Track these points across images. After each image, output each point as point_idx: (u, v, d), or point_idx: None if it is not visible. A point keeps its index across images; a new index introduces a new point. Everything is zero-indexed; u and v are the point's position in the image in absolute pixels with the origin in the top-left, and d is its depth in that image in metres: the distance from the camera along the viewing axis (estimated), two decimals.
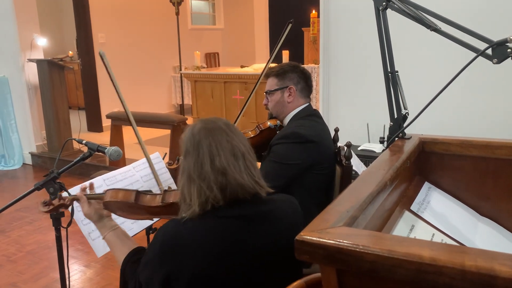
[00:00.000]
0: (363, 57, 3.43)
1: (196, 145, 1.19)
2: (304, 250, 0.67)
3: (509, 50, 0.97)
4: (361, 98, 3.55)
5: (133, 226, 1.91)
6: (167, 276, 1.13)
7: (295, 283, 1.02)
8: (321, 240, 0.65)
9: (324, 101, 3.82)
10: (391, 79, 1.21)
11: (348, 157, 2.16)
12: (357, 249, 0.62)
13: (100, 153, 1.75)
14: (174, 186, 2.02)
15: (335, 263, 0.66)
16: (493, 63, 0.99)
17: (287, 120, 2.15)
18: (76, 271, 2.92)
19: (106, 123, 6.11)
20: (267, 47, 8.54)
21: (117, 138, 4.75)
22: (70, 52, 8.66)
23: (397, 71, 1.23)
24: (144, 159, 2.14)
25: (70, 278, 2.79)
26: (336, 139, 2.26)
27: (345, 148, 2.21)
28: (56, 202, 1.53)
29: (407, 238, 0.75)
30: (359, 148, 3.26)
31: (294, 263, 1.22)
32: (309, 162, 1.99)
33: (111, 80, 1.86)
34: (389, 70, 1.22)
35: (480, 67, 1.86)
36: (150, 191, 1.55)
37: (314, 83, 5.96)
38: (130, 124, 2.03)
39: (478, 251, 0.61)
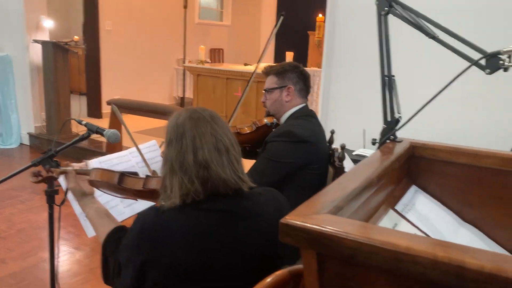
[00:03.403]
0: (366, 64, 3.46)
1: (180, 136, 1.20)
2: (287, 233, 0.70)
3: (501, 62, 1.00)
4: (360, 104, 3.59)
5: (125, 210, 1.94)
6: (143, 264, 1.15)
7: (278, 272, 1.05)
8: (305, 224, 0.69)
9: (324, 104, 3.85)
10: (387, 83, 1.24)
11: (341, 159, 2.20)
12: (338, 235, 0.66)
13: (98, 139, 1.78)
14: None
15: (316, 247, 0.69)
16: (486, 73, 1.03)
17: (283, 118, 2.19)
18: (65, 253, 2.95)
19: (106, 109, 6.14)
20: (272, 47, 8.57)
21: (116, 125, 4.77)
22: (76, 37, 8.67)
23: (393, 76, 1.26)
24: (141, 146, 2.18)
25: (59, 259, 2.82)
26: (331, 141, 2.30)
27: (339, 149, 2.25)
28: (44, 173, 1.58)
29: (387, 229, 0.78)
30: (353, 153, 3.29)
31: (272, 258, 1.25)
32: (302, 161, 2.03)
33: (126, 131, 1.92)
34: (386, 74, 1.25)
35: (476, 79, 1.91)
36: (136, 173, 1.59)
37: (315, 87, 5.99)
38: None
39: (452, 244, 0.64)
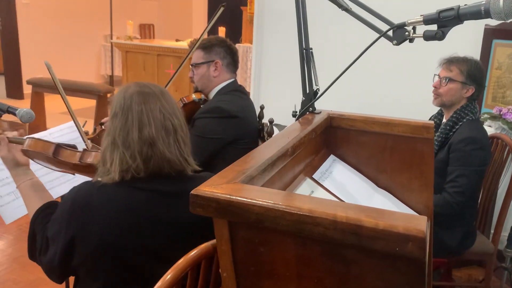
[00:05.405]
0: (296, 39, 3.51)
1: (126, 109, 1.14)
2: (198, 203, 0.70)
3: (406, 33, 1.06)
4: (291, 79, 3.64)
5: (58, 189, 1.83)
6: (72, 238, 1.12)
7: (202, 245, 1.06)
8: (214, 193, 0.69)
9: (255, 80, 3.87)
10: (305, 56, 1.27)
11: (270, 133, 2.23)
12: (245, 202, 0.67)
13: (20, 122, 1.66)
14: None
15: (226, 216, 0.70)
16: (393, 44, 1.08)
17: (212, 94, 2.18)
18: None
19: (27, 89, 5.75)
20: (205, 22, 8.43)
21: (38, 106, 4.50)
22: None
23: (311, 48, 1.29)
24: (55, 129, 2.07)
25: None
26: (261, 116, 2.32)
27: (268, 124, 2.28)
28: None
29: (292, 193, 0.81)
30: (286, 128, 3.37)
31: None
32: (231, 137, 2.04)
33: (59, 92, 1.80)
34: (304, 47, 1.27)
35: (394, 51, 2.00)
36: (75, 146, 1.51)
37: (249, 63, 5.96)
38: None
39: (351, 205, 0.68)
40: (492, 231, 2.28)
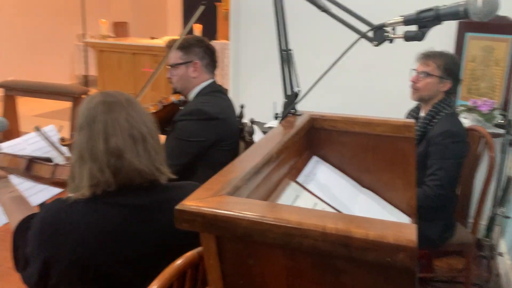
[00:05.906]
0: (273, 36, 3.49)
1: (91, 121, 1.11)
2: (183, 219, 0.69)
3: (385, 33, 1.06)
4: (270, 77, 3.63)
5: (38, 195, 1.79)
6: (45, 259, 1.09)
7: (188, 253, 1.04)
8: (199, 207, 0.68)
9: (234, 79, 3.84)
10: (285, 57, 1.26)
11: (251, 133, 2.22)
12: (232, 216, 0.66)
13: None
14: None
15: (213, 230, 0.68)
16: (373, 45, 1.08)
17: (191, 95, 2.14)
18: None
19: None
20: (180, 19, 8.32)
21: (10, 110, 4.36)
22: None
23: (290, 50, 1.28)
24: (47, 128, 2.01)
25: None
26: (241, 115, 2.30)
27: (250, 124, 2.27)
28: None
29: (279, 204, 0.80)
30: (265, 126, 3.36)
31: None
32: (213, 139, 2.01)
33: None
34: (283, 48, 1.26)
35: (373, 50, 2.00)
36: (49, 159, 1.48)
37: (226, 60, 5.92)
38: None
39: (340, 215, 0.67)
40: (470, 221, 2.33)
